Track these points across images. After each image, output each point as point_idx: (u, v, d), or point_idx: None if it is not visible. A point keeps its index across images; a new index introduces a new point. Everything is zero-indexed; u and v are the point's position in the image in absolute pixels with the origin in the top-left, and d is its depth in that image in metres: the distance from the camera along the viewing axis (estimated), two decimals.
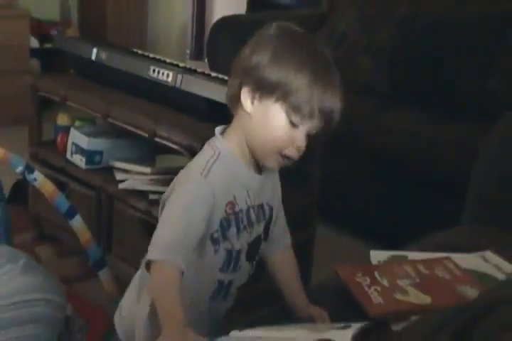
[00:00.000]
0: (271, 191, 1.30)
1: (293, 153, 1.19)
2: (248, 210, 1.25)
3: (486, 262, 1.56)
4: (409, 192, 2.48)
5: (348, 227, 2.65)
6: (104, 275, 1.90)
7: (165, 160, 2.20)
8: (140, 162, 2.19)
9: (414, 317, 1.27)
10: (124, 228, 2.16)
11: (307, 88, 1.14)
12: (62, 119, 2.42)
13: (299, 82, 1.15)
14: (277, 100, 1.16)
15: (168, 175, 2.11)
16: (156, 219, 2.02)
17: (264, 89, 1.17)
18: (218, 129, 1.26)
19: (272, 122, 1.18)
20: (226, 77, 1.73)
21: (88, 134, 2.25)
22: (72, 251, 2.30)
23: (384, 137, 2.55)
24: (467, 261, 1.54)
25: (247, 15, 3.78)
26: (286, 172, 1.30)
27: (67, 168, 2.31)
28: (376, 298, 1.35)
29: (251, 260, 1.30)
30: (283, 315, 1.33)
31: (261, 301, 1.59)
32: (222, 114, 1.31)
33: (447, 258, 1.53)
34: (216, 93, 1.85)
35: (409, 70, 2.85)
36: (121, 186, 2.13)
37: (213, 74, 2.05)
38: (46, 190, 1.88)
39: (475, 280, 1.45)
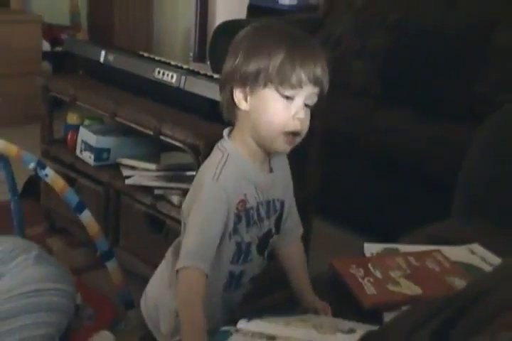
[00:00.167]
0: (282, 188, 1.29)
1: (296, 126, 1.17)
2: (258, 206, 1.24)
3: (473, 254, 1.55)
4: (401, 188, 2.48)
5: (344, 222, 2.65)
6: (111, 265, 1.89)
7: (169, 157, 2.19)
8: (146, 159, 2.18)
9: (405, 307, 1.27)
10: (130, 221, 2.15)
11: (285, 61, 1.14)
12: (72, 118, 2.42)
13: (276, 59, 1.14)
14: (265, 85, 1.15)
15: (172, 172, 2.11)
16: (161, 213, 2.04)
17: (250, 81, 1.16)
18: (226, 131, 1.25)
19: (268, 105, 1.16)
20: None
21: (96, 132, 2.25)
22: (81, 243, 2.29)
23: (376, 136, 2.55)
24: (455, 253, 1.54)
25: (246, 20, 3.77)
26: None
27: (77, 164, 2.30)
28: (369, 289, 1.35)
29: (262, 252, 1.29)
30: (291, 303, 1.33)
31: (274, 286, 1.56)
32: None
33: (437, 250, 1.53)
34: (218, 93, 1.83)
35: (400, 72, 2.84)
36: (127, 182, 2.12)
37: (215, 75, 2.04)
38: (57, 186, 1.87)
39: (463, 272, 1.45)
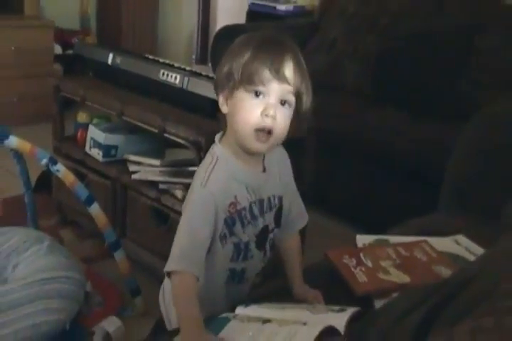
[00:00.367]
0: (278, 184, 1.25)
1: (266, 123, 1.11)
2: (250, 206, 1.20)
3: (458, 245, 1.55)
4: (392, 183, 2.48)
5: (338, 215, 2.64)
6: (118, 255, 1.89)
7: (173, 154, 2.19)
8: (151, 155, 2.18)
9: (395, 294, 1.27)
10: (136, 214, 2.15)
11: (249, 60, 1.10)
12: (82, 117, 2.42)
13: (242, 59, 1.11)
14: (236, 86, 1.12)
15: (176, 167, 2.10)
16: (165, 207, 2.04)
17: (226, 84, 1.14)
18: (217, 136, 1.22)
19: (241, 104, 1.12)
20: None
21: (105, 130, 2.24)
22: (90, 234, 2.29)
23: (368, 133, 2.54)
24: (442, 244, 1.53)
25: (246, 25, 3.76)
26: None
27: (86, 160, 2.30)
28: (361, 278, 1.35)
29: (262, 248, 1.26)
30: (285, 292, 1.31)
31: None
32: None
33: (424, 241, 1.53)
34: None
35: (390, 74, 2.83)
36: (134, 177, 2.12)
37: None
38: (68, 180, 1.87)
39: (449, 261, 1.45)
